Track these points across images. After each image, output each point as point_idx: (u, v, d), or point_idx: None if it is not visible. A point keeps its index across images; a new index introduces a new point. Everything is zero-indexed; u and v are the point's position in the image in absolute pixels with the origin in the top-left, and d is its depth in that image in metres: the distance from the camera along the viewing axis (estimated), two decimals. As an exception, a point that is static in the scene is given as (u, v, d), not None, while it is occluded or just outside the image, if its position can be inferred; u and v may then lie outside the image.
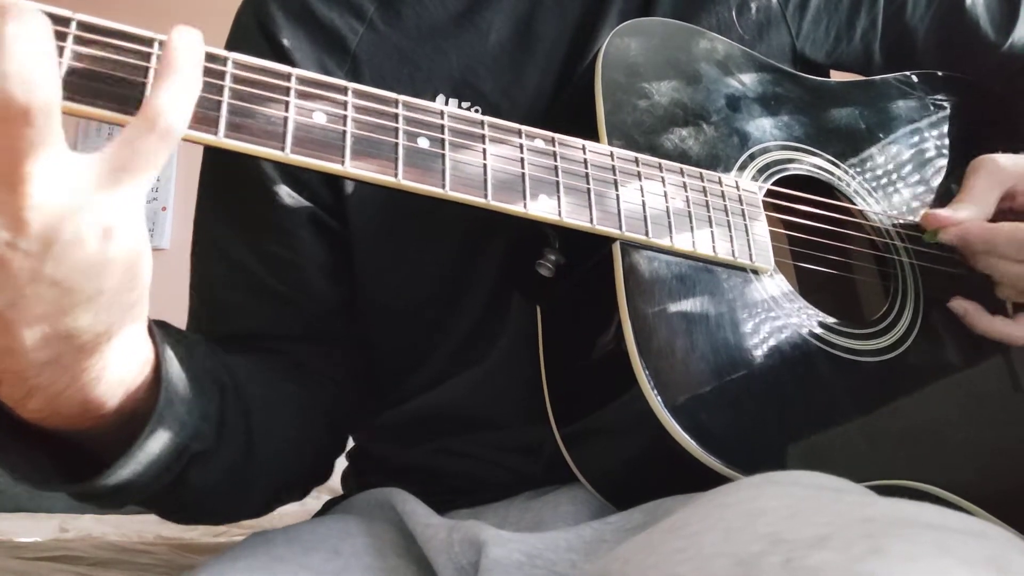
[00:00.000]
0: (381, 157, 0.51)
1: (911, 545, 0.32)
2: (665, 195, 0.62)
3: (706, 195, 0.64)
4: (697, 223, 0.62)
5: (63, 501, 1.67)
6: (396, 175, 0.52)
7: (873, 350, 0.67)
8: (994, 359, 0.73)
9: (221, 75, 0.47)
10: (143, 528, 1.29)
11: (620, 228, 0.59)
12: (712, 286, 0.61)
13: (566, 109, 0.70)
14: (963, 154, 0.80)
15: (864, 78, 0.84)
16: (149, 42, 0.44)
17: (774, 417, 0.60)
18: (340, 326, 0.71)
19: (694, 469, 0.54)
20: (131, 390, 0.48)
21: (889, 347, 0.68)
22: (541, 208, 0.56)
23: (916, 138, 0.82)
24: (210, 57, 0.47)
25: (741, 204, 0.65)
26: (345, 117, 0.51)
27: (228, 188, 0.71)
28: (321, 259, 0.69)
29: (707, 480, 0.51)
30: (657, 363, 0.55)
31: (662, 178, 0.62)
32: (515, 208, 0.56)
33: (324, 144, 0.50)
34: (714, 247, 0.62)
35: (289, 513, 0.89)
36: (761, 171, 0.70)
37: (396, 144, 0.52)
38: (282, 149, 0.48)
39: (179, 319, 0.72)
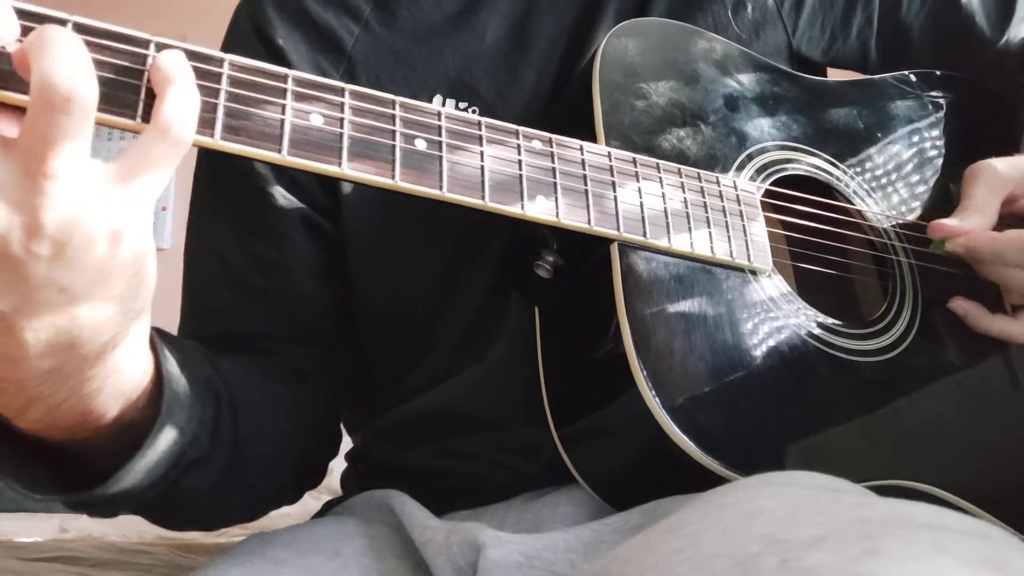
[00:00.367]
0: (378, 159, 0.51)
1: (908, 545, 0.32)
2: (663, 196, 0.62)
3: (704, 196, 0.64)
4: (695, 224, 0.62)
5: (63, 502, 1.67)
6: (393, 177, 0.52)
7: (872, 350, 0.67)
8: (993, 359, 0.73)
9: (217, 77, 0.47)
10: (143, 528, 1.28)
11: (618, 229, 0.59)
12: (710, 287, 0.61)
13: (563, 110, 0.70)
14: (962, 153, 0.80)
15: (862, 77, 0.84)
16: (145, 43, 0.44)
17: (773, 418, 0.60)
18: (331, 328, 0.71)
19: (692, 470, 0.54)
20: (131, 399, 0.47)
21: (888, 347, 0.68)
22: (539, 209, 0.56)
23: (914, 138, 0.82)
24: (206, 59, 0.47)
25: (739, 204, 0.65)
26: (342, 119, 0.51)
27: (222, 188, 0.71)
28: (312, 261, 0.69)
29: (705, 481, 0.51)
30: (655, 364, 0.55)
31: (660, 179, 0.62)
32: (513, 209, 0.56)
33: (321, 146, 0.49)
34: (712, 248, 0.62)
35: (288, 514, 0.89)
36: (759, 171, 0.69)
37: (393, 146, 0.52)
38: (279, 151, 0.48)
39: (179, 318, 0.72)
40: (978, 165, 0.74)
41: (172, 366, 0.50)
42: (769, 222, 0.67)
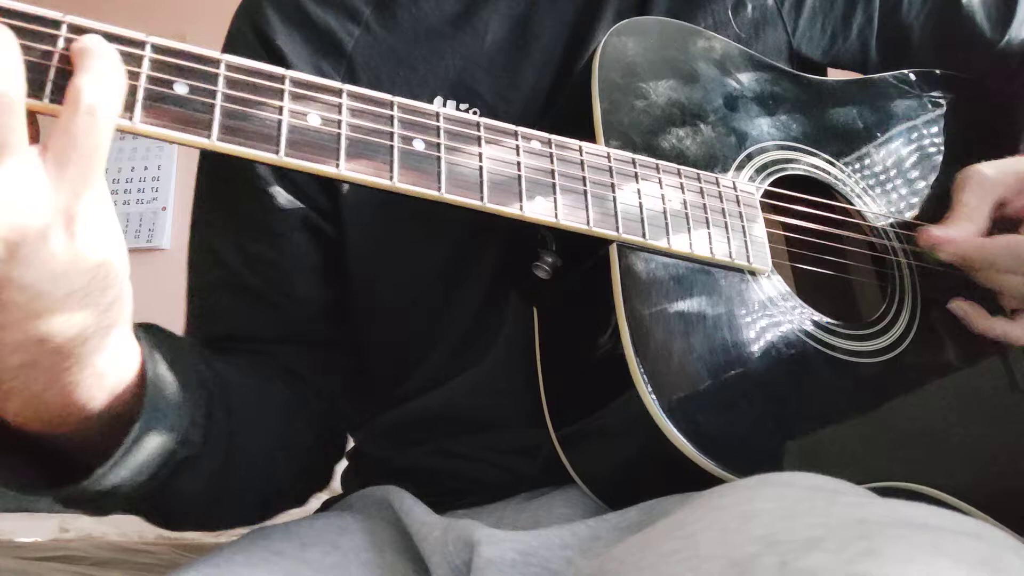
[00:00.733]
0: (376, 159, 0.51)
1: (906, 546, 0.32)
2: (662, 196, 0.61)
3: (703, 196, 0.64)
4: (694, 224, 0.62)
5: (64, 501, 1.67)
6: (391, 177, 0.51)
7: (871, 351, 0.66)
8: (992, 359, 0.73)
9: (214, 78, 0.47)
10: (143, 528, 1.29)
11: (617, 230, 0.58)
12: (709, 287, 0.61)
13: (563, 109, 0.70)
14: (961, 153, 0.80)
15: (862, 76, 0.84)
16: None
17: (771, 419, 0.60)
18: (330, 329, 0.71)
19: (690, 472, 0.54)
20: (116, 393, 0.47)
21: (887, 348, 0.68)
22: (537, 210, 0.56)
23: (914, 137, 0.82)
24: (203, 59, 0.47)
25: (738, 205, 0.65)
26: (339, 119, 0.50)
27: (222, 190, 0.71)
28: (310, 262, 0.69)
29: (703, 482, 0.51)
30: (654, 365, 0.55)
31: (659, 179, 0.62)
32: (511, 210, 0.55)
33: (318, 146, 0.49)
34: (711, 248, 0.62)
35: (288, 512, 0.89)
36: (759, 171, 0.69)
37: (391, 146, 0.52)
38: (276, 152, 0.48)
39: (179, 319, 0.72)
40: (967, 171, 0.73)
41: (158, 363, 0.49)
42: (768, 222, 0.67)
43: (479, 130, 0.56)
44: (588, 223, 0.58)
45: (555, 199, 0.57)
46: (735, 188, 0.66)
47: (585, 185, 0.59)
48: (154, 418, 0.49)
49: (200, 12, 2.14)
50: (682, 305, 0.59)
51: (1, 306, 0.39)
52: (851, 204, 0.74)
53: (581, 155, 0.60)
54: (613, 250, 0.59)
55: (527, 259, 0.64)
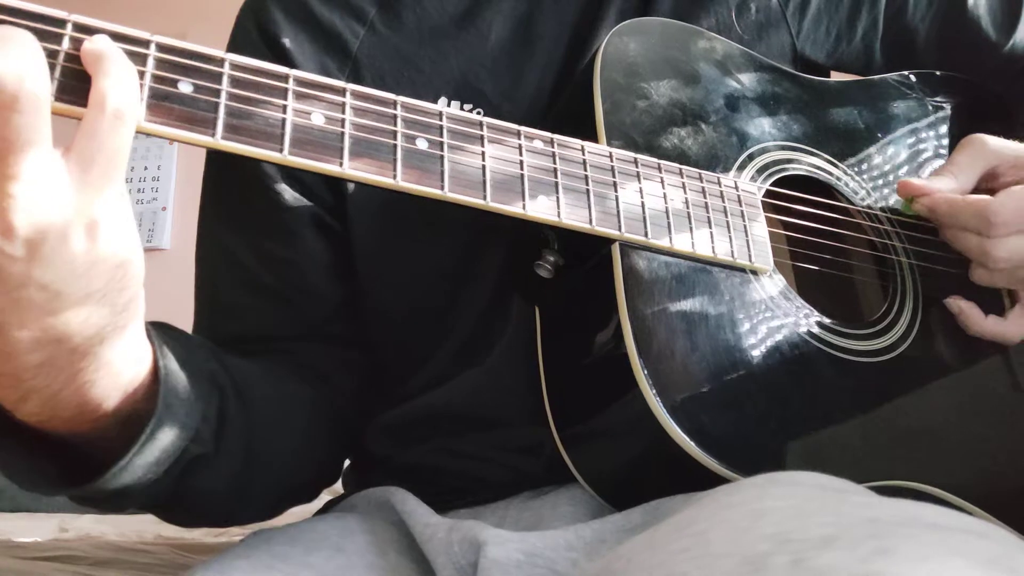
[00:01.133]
0: (379, 158, 0.51)
1: (918, 545, 0.32)
2: (664, 196, 0.62)
3: (705, 196, 0.64)
4: (696, 224, 0.62)
5: (63, 501, 1.67)
6: (395, 176, 0.51)
7: (872, 350, 0.66)
8: (993, 359, 0.73)
9: (219, 77, 0.47)
10: (143, 528, 1.29)
11: (619, 229, 0.58)
12: (711, 287, 0.61)
13: (565, 109, 0.70)
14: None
15: (863, 78, 0.84)
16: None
17: (774, 418, 0.60)
18: (346, 326, 0.72)
19: (694, 471, 0.54)
20: (129, 391, 0.47)
21: (888, 347, 0.68)
22: (540, 209, 0.56)
23: (915, 138, 0.82)
24: (207, 59, 0.47)
25: (740, 204, 0.65)
26: (343, 118, 0.51)
27: (230, 188, 0.71)
28: (323, 259, 0.69)
29: (706, 482, 0.51)
30: (657, 364, 0.55)
31: (661, 179, 0.62)
32: (514, 209, 0.55)
33: (322, 145, 0.49)
34: (713, 248, 0.62)
35: (290, 512, 0.89)
36: (760, 171, 0.69)
37: (395, 145, 0.52)
38: (280, 151, 0.48)
39: (179, 319, 0.71)
40: (971, 136, 0.74)
41: (170, 361, 0.50)
42: (770, 222, 0.67)
43: (482, 129, 0.56)
44: (590, 222, 0.58)
45: (558, 198, 0.57)
46: (737, 188, 0.66)
47: (587, 184, 0.59)
48: (167, 414, 0.49)
49: (200, 11, 2.14)
50: (684, 304, 0.59)
51: (21, 305, 0.39)
52: (852, 204, 0.74)
53: (583, 154, 0.60)
54: (615, 249, 0.59)
55: (529, 258, 0.64)
